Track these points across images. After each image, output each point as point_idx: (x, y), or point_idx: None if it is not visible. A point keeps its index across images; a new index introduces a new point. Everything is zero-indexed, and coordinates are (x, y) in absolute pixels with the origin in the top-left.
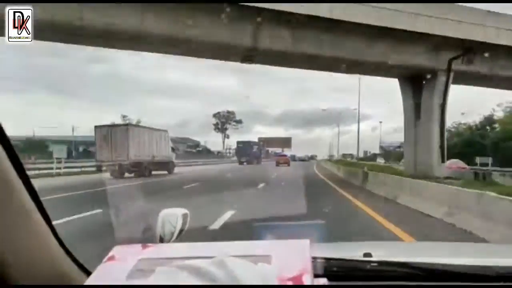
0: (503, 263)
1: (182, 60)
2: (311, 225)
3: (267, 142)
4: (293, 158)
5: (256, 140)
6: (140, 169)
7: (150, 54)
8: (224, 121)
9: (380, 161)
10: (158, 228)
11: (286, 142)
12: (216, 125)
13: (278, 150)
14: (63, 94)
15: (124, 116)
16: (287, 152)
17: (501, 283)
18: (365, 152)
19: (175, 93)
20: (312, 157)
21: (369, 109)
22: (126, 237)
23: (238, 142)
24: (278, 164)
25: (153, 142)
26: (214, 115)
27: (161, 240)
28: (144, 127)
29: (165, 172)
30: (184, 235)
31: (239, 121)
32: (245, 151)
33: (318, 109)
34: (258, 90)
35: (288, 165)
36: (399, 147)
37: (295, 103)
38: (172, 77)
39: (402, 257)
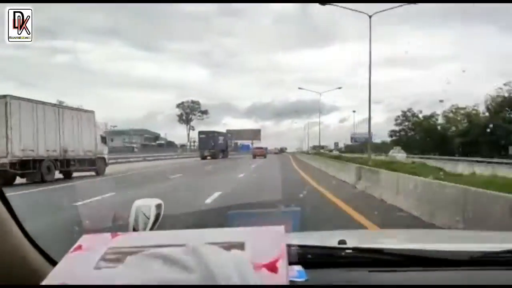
0: (476, 248)
1: (149, 51)
2: (286, 212)
3: (235, 134)
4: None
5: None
6: (37, 170)
7: (116, 45)
8: (188, 112)
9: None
10: (131, 219)
11: (255, 134)
12: (180, 116)
13: (247, 142)
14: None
15: (60, 102)
16: (256, 144)
17: (474, 268)
18: (336, 144)
19: (142, 85)
20: (282, 150)
21: (338, 101)
22: (95, 227)
23: (200, 133)
24: (255, 156)
25: (63, 128)
26: (178, 106)
27: (134, 230)
28: (44, 102)
29: (93, 173)
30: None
31: (205, 112)
32: (208, 143)
33: (287, 100)
34: (226, 82)
35: (265, 157)
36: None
37: (264, 95)
38: (139, 69)
39: (376, 244)
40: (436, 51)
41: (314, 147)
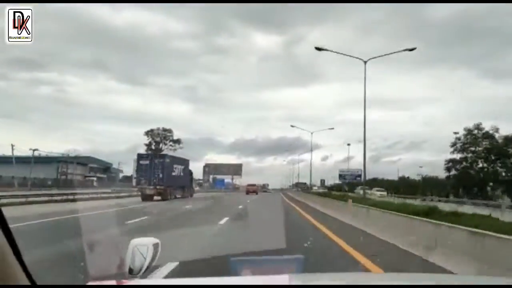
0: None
1: (134, 85)
2: (289, 259)
3: (214, 168)
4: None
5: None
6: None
7: (102, 78)
8: (158, 141)
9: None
10: (127, 259)
11: (236, 169)
12: (148, 145)
13: (227, 178)
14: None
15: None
16: (237, 180)
17: None
18: (322, 181)
19: (126, 119)
20: (265, 186)
21: (320, 139)
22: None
23: (139, 157)
24: (248, 192)
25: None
26: (147, 133)
27: (131, 272)
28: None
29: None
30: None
31: (177, 141)
32: (152, 173)
33: (270, 137)
34: (210, 117)
35: (256, 193)
36: (359, 175)
37: (247, 131)
38: (124, 103)
39: None
40: (417, 94)
41: (297, 184)
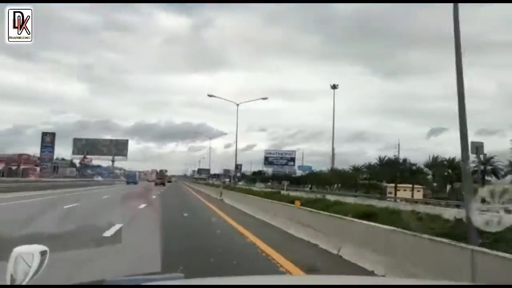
0: None
1: (16, 59)
2: (168, 278)
3: (88, 145)
4: (132, 178)
5: None
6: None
7: None
8: None
9: None
10: (9, 267)
11: (119, 147)
12: None
13: (106, 159)
14: None
15: None
16: (120, 163)
17: None
18: (225, 171)
19: (11, 97)
20: (162, 173)
21: (225, 127)
22: None
23: None
24: (156, 184)
25: None
26: None
27: (13, 281)
28: None
29: None
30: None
31: None
32: None
33: (172, 123)
34: (108, 99)
35: (164, 185)
36: (293, 159)
37: (148, 115)
38: (6, 79)
39: None
40: (316, 86)
41: (199, 171)
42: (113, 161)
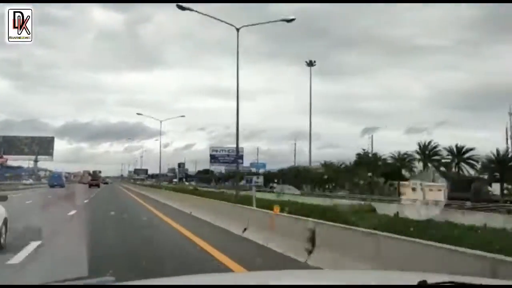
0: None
1: None
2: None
3: (5, 142)
4: (57, 180)
5: None
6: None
7: None
8: None
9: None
10: None
11: (43, 145)
12: None
13: (28, 159)
14: None
15: None
16: (44, 164)
17: None
18: (170, 170)
19: None
20: (96, 174)
21: (163, 126)
22: None
23: None
24: (90, 186)
25: None
26: None
27: None
28: None
29: None
30: None
31: None
32: None
33: (107, 122)
34: (36, 97)
35: (99, 186)
36: (241, 157)
37: (81, 114)
38: None
39: None
40: (255, 85)
41: (136, 171)
42: (36, 161)
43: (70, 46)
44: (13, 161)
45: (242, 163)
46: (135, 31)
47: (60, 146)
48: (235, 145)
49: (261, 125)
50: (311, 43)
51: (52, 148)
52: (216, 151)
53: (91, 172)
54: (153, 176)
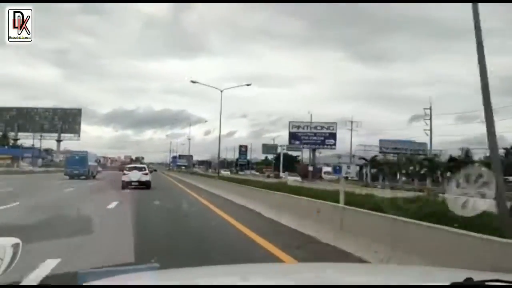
0: (388, 282)
1: None
2: (142, 268)
3: (18, 117)
4: (80, 165)
5: None
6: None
7: None
8: None
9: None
10: None
11: (66, 119)
12: None
13: (50, 138)
14: None
15: None
16: (69, 144)
17: None
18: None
19: None
20: (139, 161)
21: (204, 113)
22: None
23: None
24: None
25: None
26: None
27: None
28: None
29: None
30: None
31: None
32: None
33: (151, 109)
34: (83, 85)
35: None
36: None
37: (126, 102)
38: None
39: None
40: (296, 72)
41: (181, 157)
42: (58, 140)
43: (117, 34)
44: (24, 139)
45: (335, 144)
46: (179, 18)
47: (106, 133)
48: (270, 135)
49: (303, 112)
50: (354, 27)
51: (79, 124)
52: (298, 127)
53: (133, 158)
54: (202, 163)
